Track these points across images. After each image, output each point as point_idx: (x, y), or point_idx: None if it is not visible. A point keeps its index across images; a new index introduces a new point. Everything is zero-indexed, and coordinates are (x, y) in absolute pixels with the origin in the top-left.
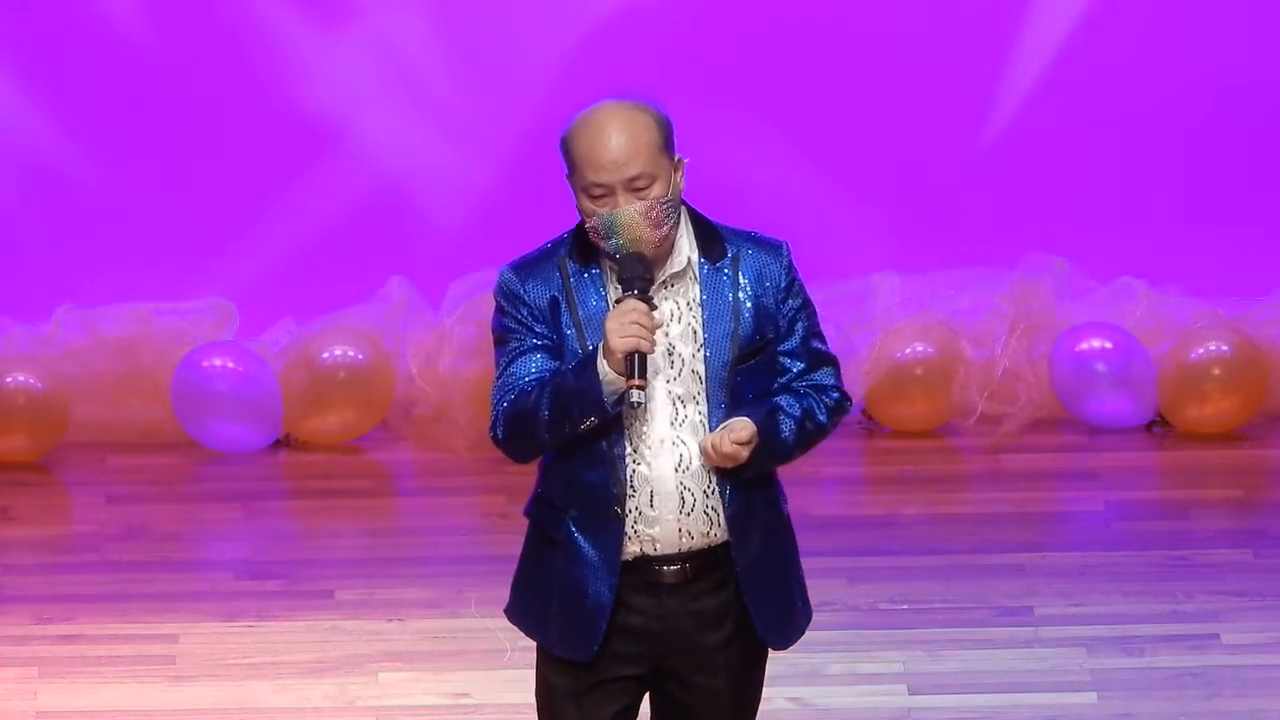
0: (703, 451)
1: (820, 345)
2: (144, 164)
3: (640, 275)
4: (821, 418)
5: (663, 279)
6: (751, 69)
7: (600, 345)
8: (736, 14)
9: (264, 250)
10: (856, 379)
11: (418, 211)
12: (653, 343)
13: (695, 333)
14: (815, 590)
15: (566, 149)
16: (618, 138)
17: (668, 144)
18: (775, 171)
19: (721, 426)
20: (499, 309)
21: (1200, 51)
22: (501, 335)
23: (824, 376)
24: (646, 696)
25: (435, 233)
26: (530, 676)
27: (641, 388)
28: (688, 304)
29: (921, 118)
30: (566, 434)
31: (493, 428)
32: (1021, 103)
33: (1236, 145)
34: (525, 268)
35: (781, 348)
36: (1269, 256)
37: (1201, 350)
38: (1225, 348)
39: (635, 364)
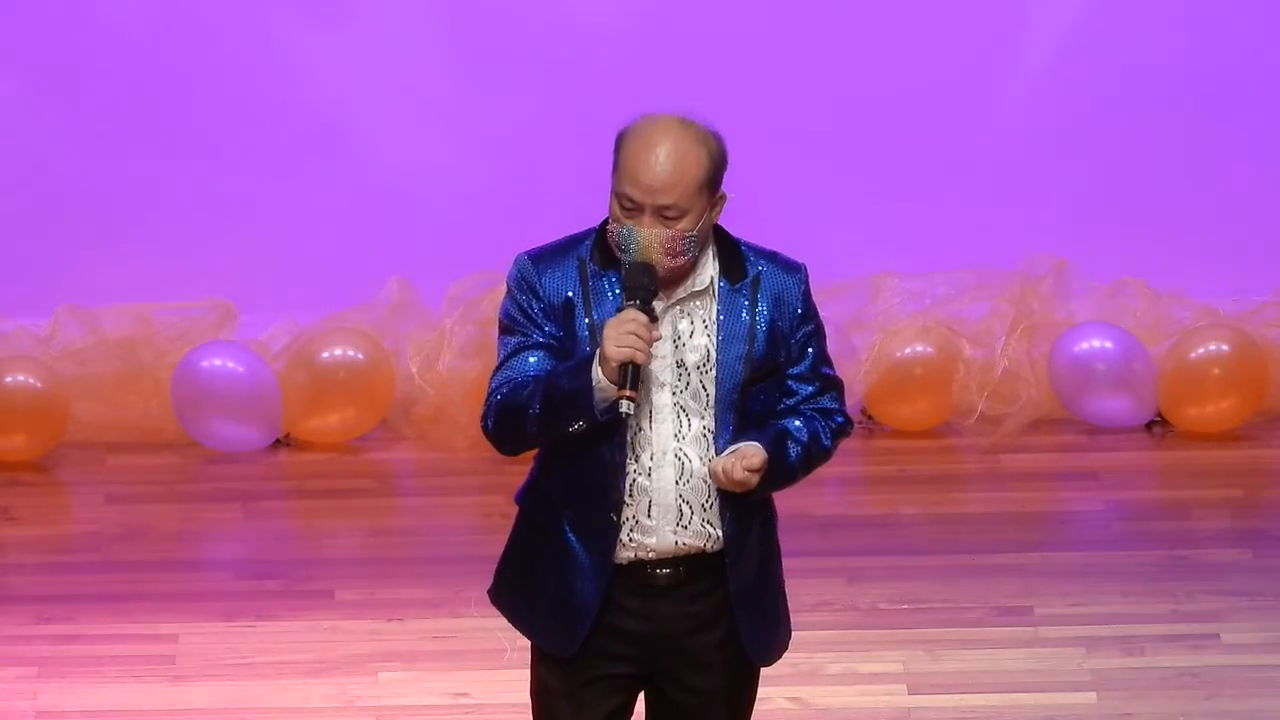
0: (712, 475)
1: (828, 370)
2: (144, 164)
3: (644, 286)
4: (826, 442)
5: (681, 296)
6: (751, 69)
7: (597, 351)
8: (736, 14)
9: (264, 250)
10: (856, 379)
11: (418, 211)
12: (648, 355)
13: (709, 352)
14: (815, 590)
15: (617, 148)
16: (663, 164)
17: (713, 181)
18: (775, 172)
19: (731, 450)
20: (510, 295)
21: (1201, 51)
22: (508, 324)
23: (829, 401)
24: (641, 696)
25: (435, 233)
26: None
27: (632, 399)
28: (704, 323)
29: (922, 118)
30: (555, 434)
31: (484, 418)
32: (1022, 103)
33: (1237, 145)
34: (545, 259)
35: (792, 371)
36: (1269, 256)
37: (1201, 350)
38: (1225, 348)
39: (629, 374)
